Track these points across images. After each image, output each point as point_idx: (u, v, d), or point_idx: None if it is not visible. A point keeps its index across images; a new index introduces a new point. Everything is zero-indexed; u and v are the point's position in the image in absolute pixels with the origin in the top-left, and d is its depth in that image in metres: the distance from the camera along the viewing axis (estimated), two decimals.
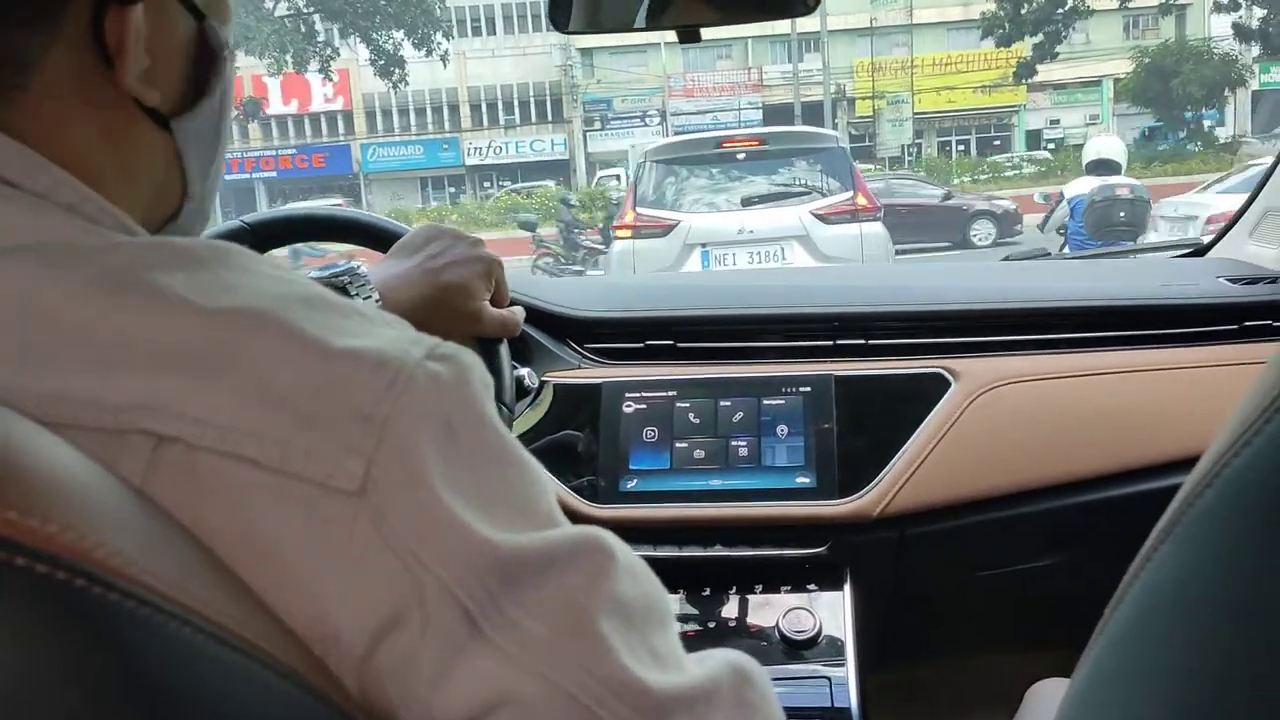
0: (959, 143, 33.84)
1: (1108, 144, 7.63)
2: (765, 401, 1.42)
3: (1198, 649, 0.43)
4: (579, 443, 1.43)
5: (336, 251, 5.99)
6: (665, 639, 0.54)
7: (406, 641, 0.48)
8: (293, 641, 0.48)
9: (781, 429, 1.40)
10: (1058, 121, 32.99)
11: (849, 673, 1.27)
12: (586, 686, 0.49)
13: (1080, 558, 1.41)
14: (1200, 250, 1.88)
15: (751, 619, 1.35)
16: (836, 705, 1.24)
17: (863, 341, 1.48)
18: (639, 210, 7.24)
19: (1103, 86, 32.55)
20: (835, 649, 1.29)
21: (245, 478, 0.47)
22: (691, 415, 1.43)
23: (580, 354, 1.53)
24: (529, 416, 1.44)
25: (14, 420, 0.43)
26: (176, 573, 0.43)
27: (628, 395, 1.45)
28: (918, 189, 17.48)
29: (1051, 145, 30.02)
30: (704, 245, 6.93)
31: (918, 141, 32.10)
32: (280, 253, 1.35)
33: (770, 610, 1.34)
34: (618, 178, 25.67)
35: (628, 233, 7.24)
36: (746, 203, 7.24)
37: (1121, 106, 31.69)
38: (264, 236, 1.23)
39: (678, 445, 1.41)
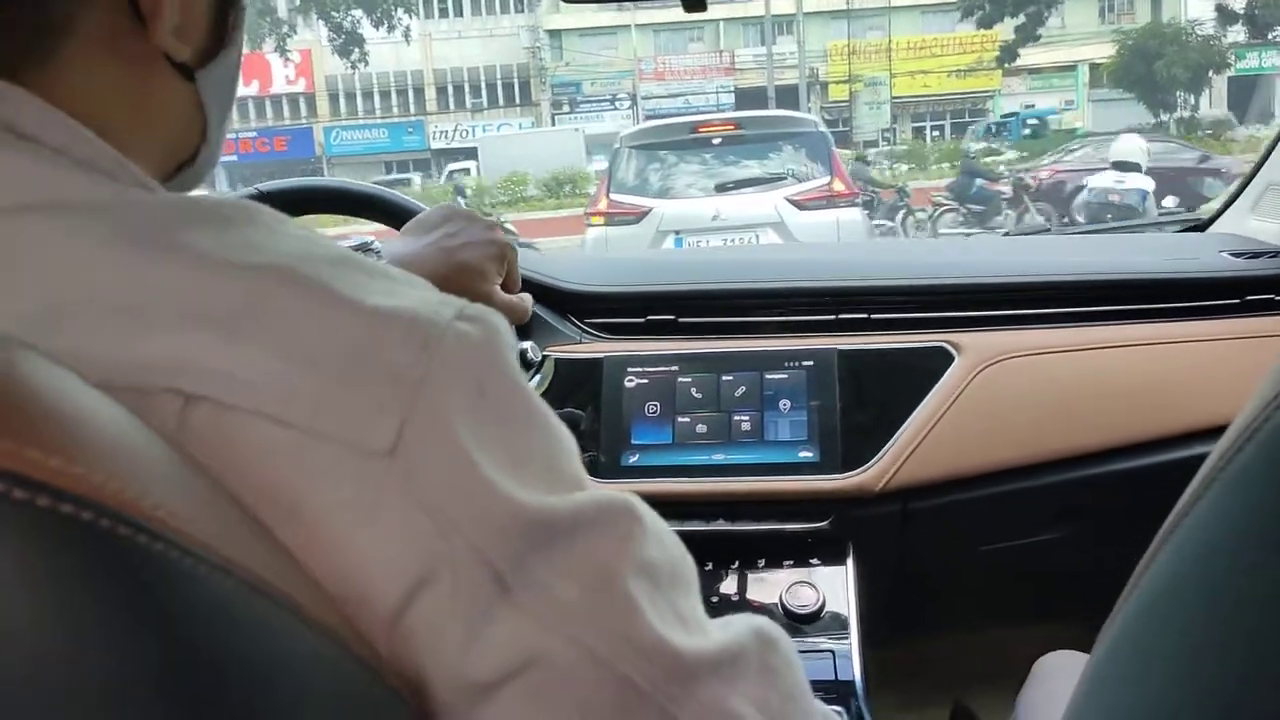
0: (933, 127, 34.00)
1: (1131, 145, 7.94)
2: (768, 376, 1.43)
3: (1230, 617, 0.42)
4: (580, 418, 1.45)
5: None
6: (690, 603, 0.55)
7: (436, 602, 0.48)
8: (328, 600, 0.48)
9: (784, 403, 1.42)
10: (1032, 106, 33.21)
11: (852, 647, 1.29)
12: (615, 648, 0.50)
13: (1085, 532, 1.43)
14: (1202, 225, 1.90)
15: (754, 593, 1.37)
16: (840, 679, 1.26)
17: (865, 315, 1.49)
18: (613, 196, 7.21)
19: (1078, 71, 32.79)
20: (838, 623, 1.31)
21: (275, 437, 0.47)
22: (693, 390, 1.44)
23: (581, 329, 1.54)
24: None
25: (56, 371, 0.43)
26: (216, 525, 0.43)
27: (629, 370, 1.46)
28: (1176, 152, 16.78)
29: (1027, 131, 30.12)
30: (677, 232, 6.90)
31: (892, 126, 32.22)
32: None
33: (773, 585, 1.36)
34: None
35: (601, 220, 7.21)
36: (720, 188, 7.21)
37: (1099, 92, 31.94)
38: (278, 206, 1.23)
39: (680, 420, 1.43)
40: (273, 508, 0.47)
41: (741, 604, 1.36)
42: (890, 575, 1.45)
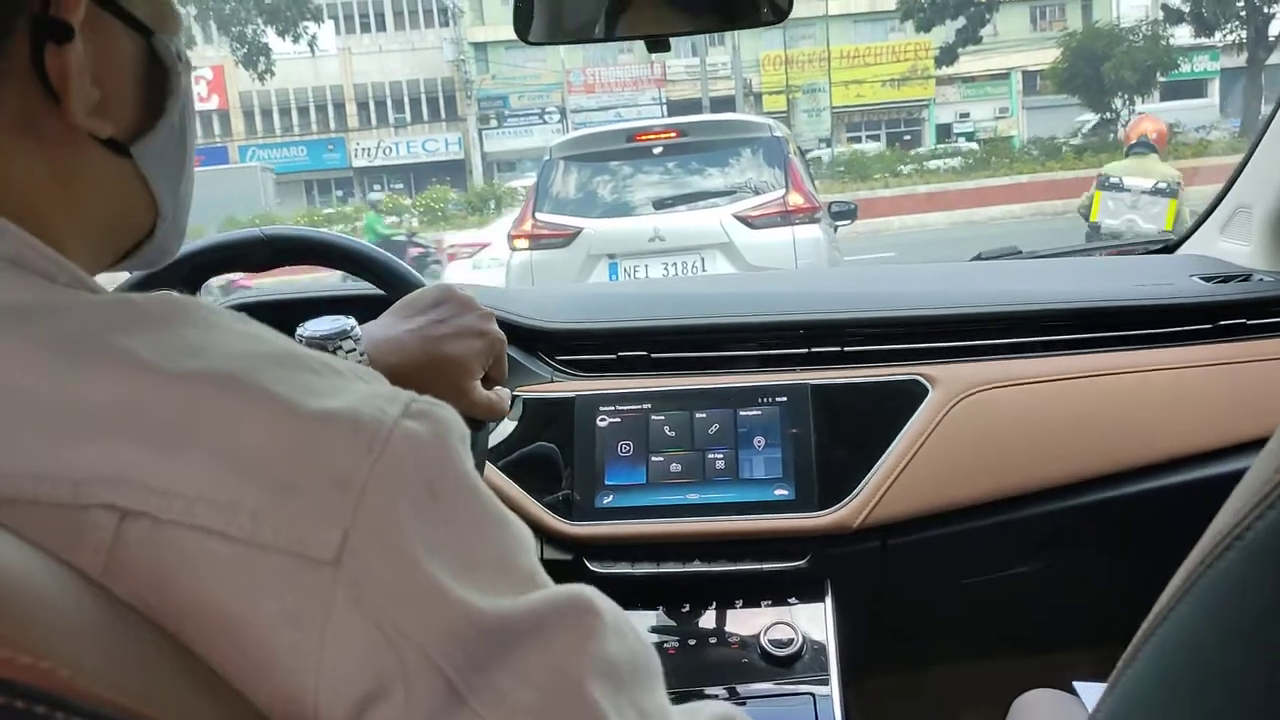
0: (869, 137, 34.42)
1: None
2: (741, 412, 1.45)
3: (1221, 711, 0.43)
4: (552, 458, 1.46)
5: None
6: (653, 698, 0.55)
7: (388, 716, 0.48)
8: None
9: (758, 440, 1.44)
10: (967, 115, 33.76)
11: (833, 686, 1.31)
12: None
13: (1064, 563, 1.47)
14: (1170, 247, 1.95)
15: (732, 634, 1.39)
16: None
17: (838, 349, 1.52)
18: (538, 216, 6.61)
19: (1011, 79, 33.45)
20: (818, 663, 1.33)
21: (216, 551, 0.46)
22: (667, 428, 1.46)
23: (552, 367, 1.56)
24: (500, 432, 1.45)
25: None
26: (142, 681, 0.42)
27: (601, 408, 1.48)
28: None
29: (962, 139, 30.53)
30: (611, 256, 6.33)
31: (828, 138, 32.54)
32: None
33: (751, 625, 1.38)
34: None
35: (525, 243, 6.61)
36: (659, 205, 6.57)
37: (1033, 99, 32.61)
38: (279, 250, 1.23)
39: (653, 459, 1.45)
40: (212, 628, 0.47)
41: (720, 644, 1.38)
42: (870, 612, 1.48)
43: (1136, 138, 7.77)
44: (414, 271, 1.24)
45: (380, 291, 1.22)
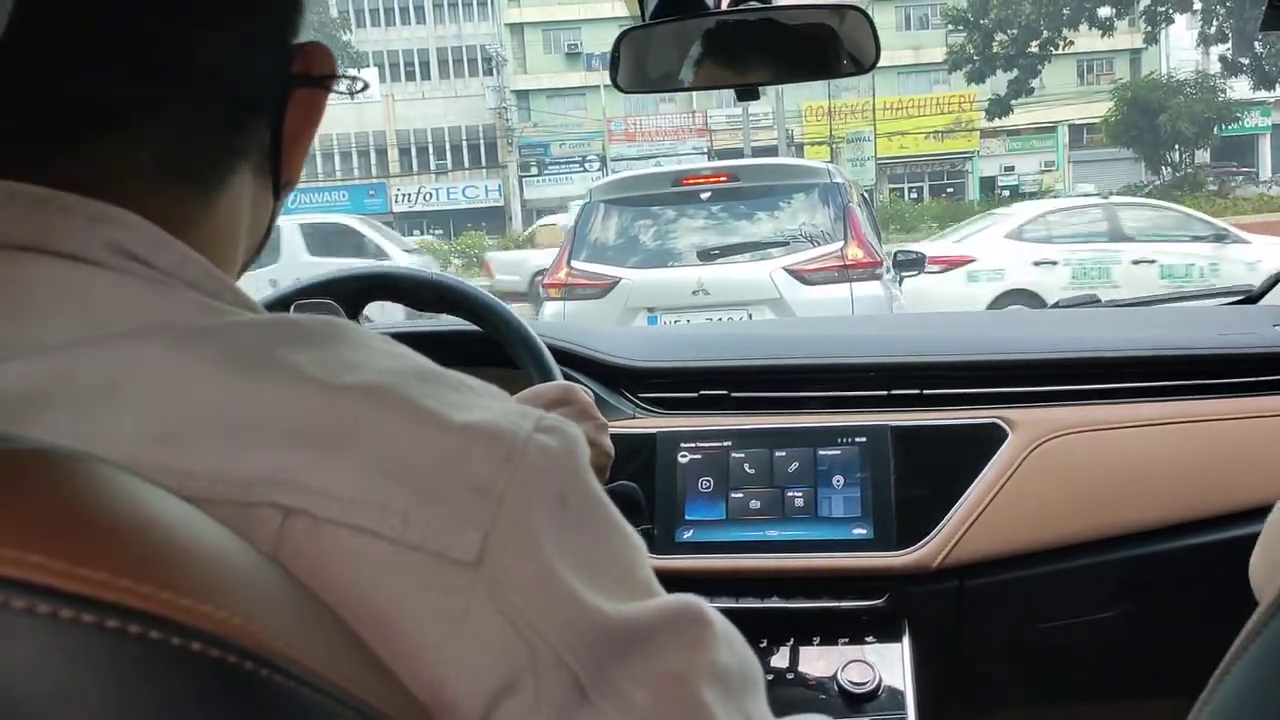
0: (911, 189, 34.46)
1: None
2: (821, 452, 1.49)
3: None
4: (636, 492, 1.50)
5: None
6: (758, 705, 0.59)
7: (519, 709, 0.51)
8: (423, 714, 0.51)
9: (838, 479, 1.47)
10: (1012, 168, 33.72)
11: None
12: None
13: (1145, 609, 1.48)
14: (1253, 297, 1.98)
15: (809, 671, 1.42)
16: None
17: (917, 392, 1.55)
18: (573, 264, 6.28)
19: (1058, 132, 33.43)
20: (895, 702, 1.36)
21: (368, 549, 0.50)
22: (747, 465, 1.50)
23: (634, 404, 1.60)
24: None
25: (173, 503, 0.47)
26: (324, 650, 0.47)
27: (682, 445, 1.52)
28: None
29: (1006, 192, 30.46)
30: (650, 310, 6.01)
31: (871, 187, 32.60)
32: None
33: (828, 662, 1.41)
34: None
35: (559, 292, 6.29)
36: (705, 256, 6.14)
37: (1079, 153, 32.56)
38: (444, 298, 1.38)
39: (733, 495, 1.48)
40: (364, 619, 0.51)
41: (796, 681, 1.40)
42: (947, 653, 1.50)
43: None
44: (554, 364, 1.32)
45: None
